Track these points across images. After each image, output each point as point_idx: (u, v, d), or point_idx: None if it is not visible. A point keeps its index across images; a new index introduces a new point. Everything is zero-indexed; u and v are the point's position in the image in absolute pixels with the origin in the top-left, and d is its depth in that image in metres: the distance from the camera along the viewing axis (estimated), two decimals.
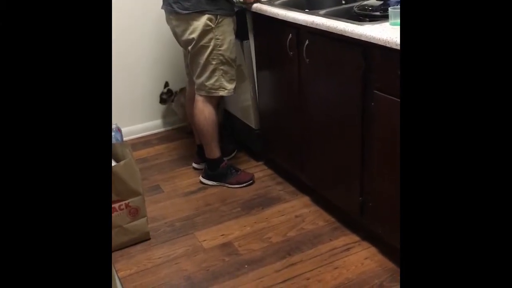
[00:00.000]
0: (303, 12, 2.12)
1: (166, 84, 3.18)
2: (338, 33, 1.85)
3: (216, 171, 2.58)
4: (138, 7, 3.01)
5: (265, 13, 2.31)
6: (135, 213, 2.11)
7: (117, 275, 1.97)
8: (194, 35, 2.29)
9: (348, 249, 2.05)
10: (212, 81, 2.37)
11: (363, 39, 1.73)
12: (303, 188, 2.47)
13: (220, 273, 1.96)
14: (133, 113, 3.21)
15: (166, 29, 2.52)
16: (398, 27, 1.70)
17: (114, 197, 2.02)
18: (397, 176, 1.71)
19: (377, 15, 1.95)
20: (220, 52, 2.33)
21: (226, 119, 3.04)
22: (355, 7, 2.11)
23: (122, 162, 2.02)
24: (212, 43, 2.30)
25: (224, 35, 2.32)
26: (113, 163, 2.05)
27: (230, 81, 2.41)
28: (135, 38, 3.07)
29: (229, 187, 2.57)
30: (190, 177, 2.70)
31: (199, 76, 2.39)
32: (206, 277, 1.95)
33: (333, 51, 1.96)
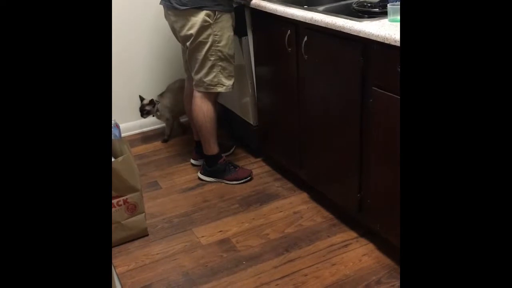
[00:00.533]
0: (302, 8, 2.11)
1: (141, 98, 3.02)
2: (337, 29, 1.84)
3: (214, 168, 2.58)
4: (136, 3, 3.01)
5: (263, 9, 2.30)
6: (133, 209, 2.10)
7: (115, 271, 1.97)
8: (193, 31, 2.28)
9: (346, 246, 2.05)
10: (210, 77, 2.37)
11: (362, 35, 1.73)
12: (301, 184, 2.48)
13: (218, 269, 1.96)
14: (131, 109, 3.20)
15: (165, 24, 2.52)
16: (397, 24, 1.70)
17: (112, 193, 2.02)
18: (395, 172, 1.71)
19: (376, 12, 1.95)
20: (218, 48, 2.32)
21: (224, 114, 3.03)
22: (354, 4, 2.11)
23: (120, 158, 2.02)
24: (210, 39, 2.30)
25: (223, 31, 2.31)
26: (112, 159, 2.05)
27: (228, 77, 2.40)
28: (133, 34, 3.06)
29: (227, 183, 2.57)
30: (188, 173, 2.70)
31: (198, 72, 2.39)
32: (204, 273, 1.95)
33: (332, 48, 1.96)
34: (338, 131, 2.03)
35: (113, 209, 2.05)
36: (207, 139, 2.51)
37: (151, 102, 2.99)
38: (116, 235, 2.08)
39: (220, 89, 2.41)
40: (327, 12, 2.01)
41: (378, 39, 1.66)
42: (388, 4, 1.75)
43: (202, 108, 2.45)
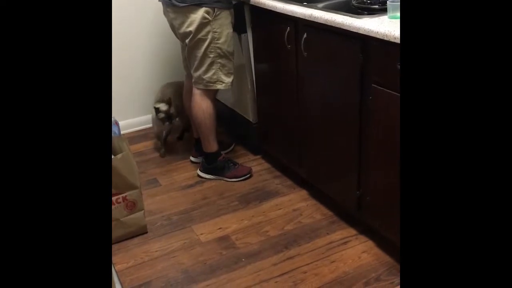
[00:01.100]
0: (301, 5, 2.11)
1: (157, 110, 2.74)
2: (337, 26, 1.84)
3: (213, 165, 2.57)
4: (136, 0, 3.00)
5: (263, 6, 2.30)
6: (132, 206, 2.10)
7: (114, 268, 1.97)
8: (192, 28, 2.28)
9: (345, 243, 2.05)
10: (209, 74, 2.36)
11: (361, 32, 1.73)
12: (300, 182, 2.47)
13: (217, 266, 1.96)
14: (131, 106, 3.20)
15: (164, 21, 2.51)
16: (397, 20, 1.70)
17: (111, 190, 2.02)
18: (394, 170, 1.71)
19: (376, 8, 1.94)
20: (217, 45, 2.32)
21: (223, 111, 3.03)
22: (354, 0, 2.11)
23: (119, 155, 2.02)
24: (209, 36, 2.29)
25: (222, 28, 2.31)
26: None
27: (227, 74, 2.40)
28: (132, 31, 3.05)
29: (226, 180, 2.57)
30: (188, 171, 2.70)
31: (197, 69, 2.38)
32: (203, 270, 1.95)
33: (331, 45, 1.95)
34: (338, 128, 2.02)
35: (112, 206, 2.04)
36: (207, 136, 2.51)
37: (169, 102, 2.74)
38: (115, 232, 2.08)
39: (219, 86, 2.41)
40: (326, 9, 2.00)
41: (378, 36, 1.65)
42: (387, 1, 1.75)
43: (202, 105, 2.44)
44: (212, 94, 2.46)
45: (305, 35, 2.07)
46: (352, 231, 2.11)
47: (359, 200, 2.01)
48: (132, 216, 2.12)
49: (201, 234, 2.17)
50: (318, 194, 2.35)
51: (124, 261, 2.02)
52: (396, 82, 1.59)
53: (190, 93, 2.51)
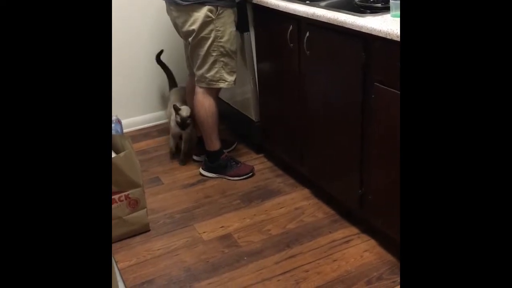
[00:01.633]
0: (304, 4, 2.11)
1: (177, 108, 2.63)
2: (339, 24, 1.84)
3: (216, 163, 2.58)
4: None
5: (265, 5, 2.30)
6: (135, 204, 2.11)
7: (117, 266, 1.98)
8: (195, 27, 2.28)
9: (347, 242, 2.05)
10: (212, 73, 2.37)
11: (364, 31, 1.72)
12: (302, 180, 2.47)
13: (220, 264, 1.97)
14: (133, 105, 3.21)
15: (167, 20, 2.51)
16: (399, 19, 1.69)
17: (113, 189, 2.02)
18: (396, 169, 1.71)
19: (378, 7, 1.94)
20: (220, 43, 2.32)
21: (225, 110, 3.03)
22: None
23: (122, 154, 2.02)
24: (212, 35, 2.29)
25: (225, 27, 2.31)
26: (113, 155, 2.05)
27: (230, 73, 2.40)
28: (135, 29, 3.06)
29: (229, 179, 2.57)
30: (190, 169, 2.70)
31: (200, 67, 2.39)
32: (205, 268, 1.95)
33: (334, 43, 1.95)
34: (340, 127, 2.02)
35: (114, 205, 2.05)
36: (209, 134, 2.51)
37: (191, 115, 2.61)
38: (117, 230, 2.08)
39: (222, 85, 2.41)
40: (329, 7, 2.00)
41: (380, 35, 1.65)
42: (390, 0, 1.75)
43: (204, 103, 2.44)
44: (214, 93, 2.46)
45: (307, 34, 2.07)
46: (354, 230, 2.11)
47: (361, 199, 2.01)
48: (135, 214, 2.12)
49: (204, 232, 2.17)
50: (320, 192, 2.35)
51: (126, 259, 2.03)
52: (399, 80, 1.59)
53: (193, 91, 2.51)
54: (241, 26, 2.49)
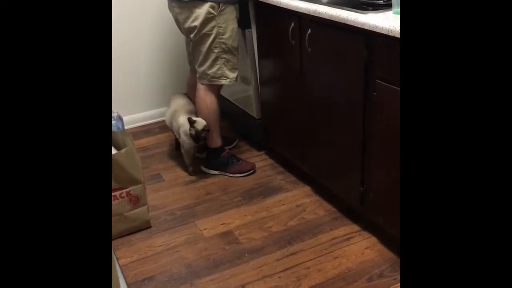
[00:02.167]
0: (305, 1, 2.10)
1: (191, 121, 2.44)
2: (341, 21, 1.83)
3: (217, 160, 2.57)
4: None
5: (267, 2, 2.29)
6: (136, 201, 2.11)
7: (118, 263, 1.98)
8: (197, 23, 2.28)
9: (348, 239, 2.05)
10: (214, 69, 2.36)
11: (366, 28, 1.72)
12: (304, 177, 2.47)
13: (221, 261, 1.97)
14: (135, 101, 3.21)
15: (168, 16, 2.51)
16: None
17: (115, 185, 2.03)
18: (398, 166, 1.71)
19: (381, 4, 1.94)
20: (222, 40, 2.32)
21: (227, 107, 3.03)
22: None
23: (123, 150, 2.02)
24: (214, 31, 2.29)
25: (227, 23, 2.30)
26: (114, 151, 2.05)
27: (232, 69, 2.40)
28: (137, 26, 3.05)
29: (230, 176, 2.57)
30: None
31: (201, 64, 2.38)
32: (206, 265, 1.95)
33: (336, 40, 1.95)
34: (341, 124, 2.02)
35: (116, 201, 2.05)
36: (210, 131, 2.51)
37: (206, 129, 2.45)
38: (118, 227, 2.08)
39: (223, 82, 2.41)
40: (331, 4, 2.00)
41: (383, 32, 1.65)
42: None
43: (206, 100, 2.44)
44: (216, 90, 2.46)
45: (309, 31, 2.07)
46: (355, 227, 2.11)
47: (362, 196, 2.01)
48: (136, 211, 2.12)
49: (205, 229, 2.17)
50: (322, 190, 2.35)
51: (127, 256, 2.03)
52: None
53: (195, 88, 2.51)
54: (242, 23, 2.48)
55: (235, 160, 2.60)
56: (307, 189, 2.42)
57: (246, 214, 2.26)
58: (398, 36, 1.58)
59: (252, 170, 2.59)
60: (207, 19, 2.26)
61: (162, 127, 3.20)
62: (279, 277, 1.86)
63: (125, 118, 2.97)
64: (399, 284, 1.79)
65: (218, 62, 2.35)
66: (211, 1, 2.24)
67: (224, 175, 2.58)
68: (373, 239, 2.03)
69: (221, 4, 2.26)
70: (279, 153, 2.66)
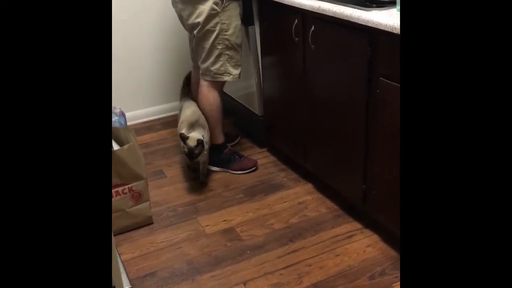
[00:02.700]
0: None
1: (184, 137, 2.27)
2: (345, 18, 1.83)
3: (219, 157, 2.57)
4: None
5: None
6: (138, 197, 2.11)
7: (120, 259, 1.98)
8: (200, 19, 2.27)
9: (350, 237, 2.05)
10: (217, 66, 2.36)
11: (369, 25, 1.72)
12: (306, 175, 2.47)
13: (222, 258, 1.97)
14: (137, 98, 3.21)
15: (172, 12, 2.50)
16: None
17: (117, 181, 2.03)
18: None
19: (385, 1, 1.93)
20: (225, 36, 2.31)
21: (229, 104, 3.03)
22: None
23: (125, 146, 2.02)
24: (218, 28, 2.29)
25: (230, 20, 2.30)
26: (117, 147, 2.05)
27: (235, 66, 2.40)
28: (140, 22, 3.05)
29: (232, 173, 2.57)
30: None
31: (204, 60, 2.38)
32: (208, 261, 1.95)
33: (339, 37, 1.94)
34: (344, 122, 2.02)
35: (118, 197, 2.05)
36: (213, 128, 2.51)
37: (199, 143, 2.27)
38: (121, 222, 2.09)
39: (227, 78, 2.40)
40: (335, 1, 1.99)
41: (386, 29, 1.64)
42: None
43: (208, 97, 2.44)
44: (219, 86, 2.45)
45: (312, 28, 2.06)
46: (357, 225, 2.11)
47: (364, 194, 2.00)
48: (138, 206, 2.13)
49: (206, 225, 2.17)
50: (324, 187, 2.35)
51: (129, 251, 2.03)
52: None
53: (198, 84, 2.50)
54: (246, 20, 2.48)
55: (237, 157, 2.60)
56: (309, 186, 2.42)
57: (248, 211, 2.26)
58: None
59: (254, 167, 2.58)
60: (211, 16, 2.26)
61: (165, 123, 3.20)
62: (281, 274, 1.86)
63: (127, 115, 2.97)
64: None
65: (221, 59, 2.35)
66: None
67: (226, 171, 2.58)
68: (375, 237, 2.03)
69: (224, 0, 2.25)
70: (282, 150, 2.66)
